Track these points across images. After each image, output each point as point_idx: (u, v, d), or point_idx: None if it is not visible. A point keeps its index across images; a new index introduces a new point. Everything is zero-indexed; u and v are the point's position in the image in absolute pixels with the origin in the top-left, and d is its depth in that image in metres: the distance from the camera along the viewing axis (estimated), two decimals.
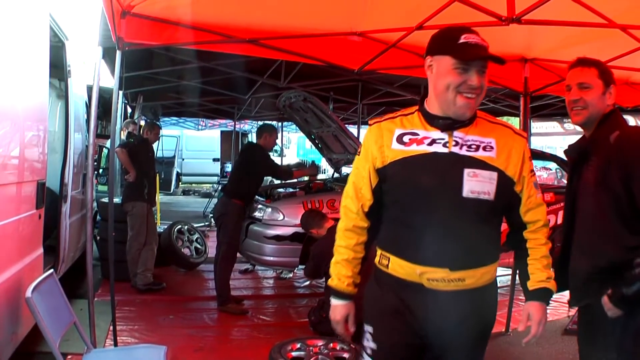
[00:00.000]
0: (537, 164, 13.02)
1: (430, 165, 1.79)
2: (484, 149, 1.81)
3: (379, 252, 1.93)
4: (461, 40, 1.73)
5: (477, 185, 1.76)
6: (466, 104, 1.76)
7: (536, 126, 12.74)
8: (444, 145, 1.80)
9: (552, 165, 12.80)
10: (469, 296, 1.80)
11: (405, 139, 1.84)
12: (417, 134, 1.83)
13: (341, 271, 1.96)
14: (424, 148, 1.81)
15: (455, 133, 1.80)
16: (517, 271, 2.04)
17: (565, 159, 2.40)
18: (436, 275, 1.77)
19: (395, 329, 1.86)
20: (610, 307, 1.99)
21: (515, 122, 7.73)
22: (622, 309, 1.97)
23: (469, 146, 1.80)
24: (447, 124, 1.81)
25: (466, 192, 1.76)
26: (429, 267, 1.77)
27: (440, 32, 1.84)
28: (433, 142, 1.81)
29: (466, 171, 1.77)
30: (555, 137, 14.66)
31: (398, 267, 1.83)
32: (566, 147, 2.33)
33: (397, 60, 4.20)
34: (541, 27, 3.19)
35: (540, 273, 1.89)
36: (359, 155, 1.94)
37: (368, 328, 1.93)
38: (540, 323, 1.87)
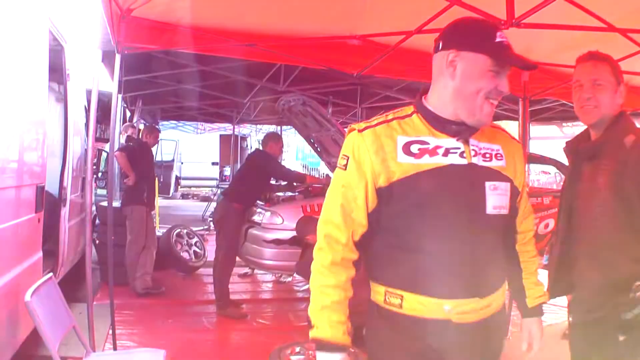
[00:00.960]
0: (537, 168, 13.03)
1: (449, 180, 1.49)
2: (496, 157, 1.57)
3: (381, 289, 1.56)
4: (498, 39, 1.48)
5: (497, 199, 1.54)
6: (492, 112, 1.52)
7: (535, 130, 12.73)
8: (461, 155, 1.51)
9: (551, 169, 12.81)
10: (493, 320, 1.59)
11: (414, 149, 1.50)
12: (427, 143, 1.51)
13: (332, 317, 1.50)
14: (439, 160, 1.50)
15: (471, 141, 1.54)
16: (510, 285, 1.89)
17: (564, 161, 2.34)
18: (467, 308, 1.50)
19: None
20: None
21: (514, 126, 7.75)
22: (625, 334, 1.88)
23: (484, 155, 1.55)
24: (463, 130, 1.52)
25: (489, 208, 1.52)
26: (459, 300, 1.50)
27: (471, 25, 1.56)
28: (447, 152, 1.51)
29: (487, 184, 1.52)
30: (555, 141, 14.67)
31: (418, 305, 1.50)
32: (564, 145, 2.22)
33: (397, 64, 4.21)
34: (540, 31, 3.20)
35: (536, 288, 1.77)
36: (344, 169, 1.53)
37: None
38: (541, 337, 1.78)
